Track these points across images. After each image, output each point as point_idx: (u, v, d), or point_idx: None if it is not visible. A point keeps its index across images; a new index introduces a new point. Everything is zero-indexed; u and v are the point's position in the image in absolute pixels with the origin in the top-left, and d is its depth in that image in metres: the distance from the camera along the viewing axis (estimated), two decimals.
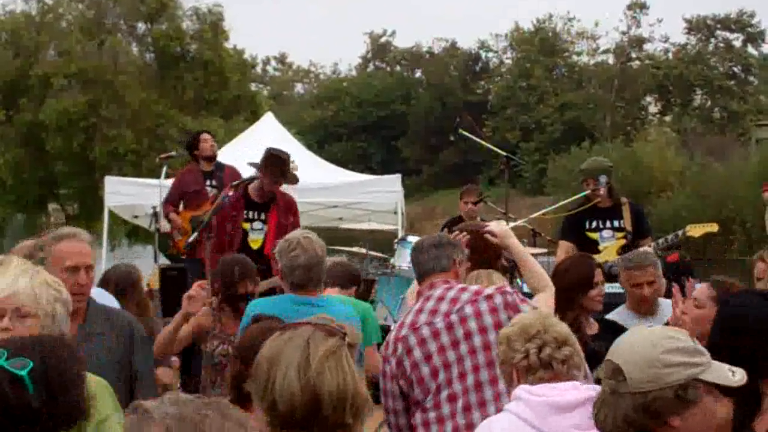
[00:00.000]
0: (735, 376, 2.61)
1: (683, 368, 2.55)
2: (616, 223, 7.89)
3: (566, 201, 9.15)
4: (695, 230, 7.86)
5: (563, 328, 3.47)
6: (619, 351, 2.62)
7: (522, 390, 3.30)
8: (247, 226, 7.68)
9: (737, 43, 50.20)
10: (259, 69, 59.57)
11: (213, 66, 31.72)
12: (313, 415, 2.25)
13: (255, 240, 7.68)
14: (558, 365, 3.37)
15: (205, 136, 9.83)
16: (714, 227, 8.05)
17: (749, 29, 49.83)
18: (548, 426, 3.17)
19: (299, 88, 72.80)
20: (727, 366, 2.62)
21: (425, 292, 4.31)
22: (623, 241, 7.74)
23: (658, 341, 2.59)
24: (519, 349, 3.41)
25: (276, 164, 7.67)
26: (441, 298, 4.23)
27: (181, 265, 9.04)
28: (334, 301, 5.08)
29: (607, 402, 2.58)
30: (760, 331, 3.16)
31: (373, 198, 13.44)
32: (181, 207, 9.66)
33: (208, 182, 9.56)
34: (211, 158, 9.62)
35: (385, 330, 6.41)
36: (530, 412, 3.21)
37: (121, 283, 6.27)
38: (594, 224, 7.95)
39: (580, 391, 3.23)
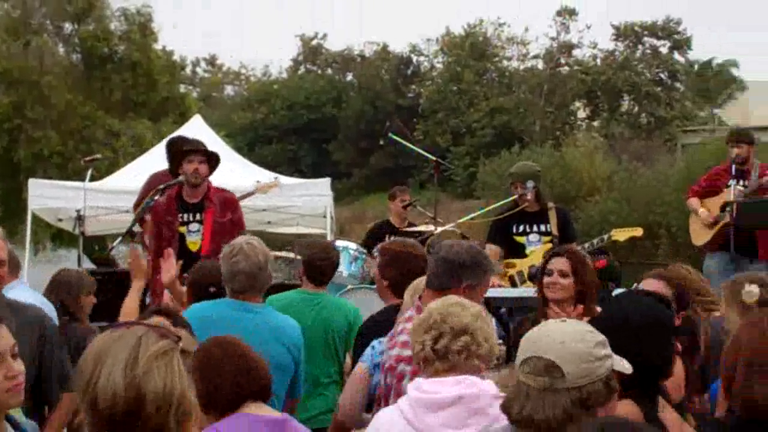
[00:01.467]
0: (625, 363, 2.76)
1: (606, 360, 2.64)
2: (542, 228, 7.96)
3: (495, 205, 9.21)
4: (620, 234, 7.97)
5: (466, 317, 3.37)
6: (546, 347, 2.61)
7: (411, 385, 3.29)
8: (183, 229, 7.45)
9: (664, 50, 50.92)
10: (188, 70, 58.95)
11: (141, 67, 31.26)
12: (135, 415, 2.16)
13: (193, 242, 7.44)
14: (454, 356, 3.30)
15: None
16: (638, 231, 8.17)
17: (676, 36, 50.56)
18: (422, 424, 3.17)
19: (229, 90, 72.13)
20: (617, 356, 2.74)
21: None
22: (549, 246, 7.80)
23: (583, 336, 2.64)
24: (417, 341, 3.38)
25: (173, 145, 7.71)
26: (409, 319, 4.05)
27: (107, 270, 8.86)
28: (273, 311, 5.00)
29: (536, 398, 2.58)
30: (644, 334, 3.21)
31: (303, 201, 13.35)
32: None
33: None
34: None
35: None
36: (410, 410, 3.21)
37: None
38: (521, 228, 8.01)
39: (456, 388, 3.19)
